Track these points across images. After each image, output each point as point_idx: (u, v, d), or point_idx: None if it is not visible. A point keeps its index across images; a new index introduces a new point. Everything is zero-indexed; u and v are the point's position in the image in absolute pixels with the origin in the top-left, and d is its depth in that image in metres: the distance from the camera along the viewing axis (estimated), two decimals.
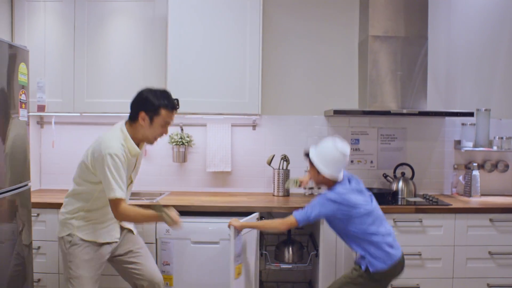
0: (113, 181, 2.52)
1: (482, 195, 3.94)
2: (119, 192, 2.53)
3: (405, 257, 3.28)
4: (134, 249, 2.86)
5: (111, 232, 2.76)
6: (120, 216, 2.60)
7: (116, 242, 2.80)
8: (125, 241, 2.87)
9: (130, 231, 2.90)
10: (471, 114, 3.64)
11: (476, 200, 3.75)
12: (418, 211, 3.38)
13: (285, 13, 4.04)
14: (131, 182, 2.82)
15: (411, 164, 3.98)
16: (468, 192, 3.91)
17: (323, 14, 4.05)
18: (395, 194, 3.83)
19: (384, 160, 4.09)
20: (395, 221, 3.37)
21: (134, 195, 3.74)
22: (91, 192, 2.68)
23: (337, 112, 3.66)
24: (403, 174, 3.93)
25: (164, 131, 2.71)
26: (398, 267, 2.76)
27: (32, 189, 3.88)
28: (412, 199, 3.72)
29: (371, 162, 4.10)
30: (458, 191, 4.06)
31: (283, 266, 3.51)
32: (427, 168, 4.10)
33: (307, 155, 2.86)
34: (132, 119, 2.69)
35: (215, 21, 3.59)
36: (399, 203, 3.63)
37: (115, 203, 2.54)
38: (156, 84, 3.52)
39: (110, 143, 2.57)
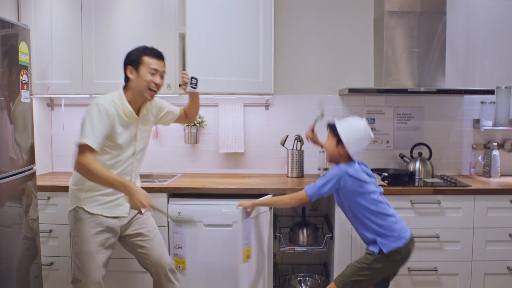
0: (88, 127, 2.46)
1: (502, 175, 3.85)
2: (90, 139, 2.43)
3: (423, 239, 3.27)
4: (143, 232, 2.79)
5: (119, 207, 2.70)
6: (79, 164, 2.45)
7: (124, 217, 2.72)
8: (135, 222, 2.80)
9: (140, 212, 2.83)
10: (491, 92, 3.51)
11: (495, 181, 3.65)
12: (436, 192, 3.29)
13: None
14: (134, 152, 2.72)
15: (428, 143, 3.88)
16: (487, 173, 3.81)
17: None
18: (412, 174, 3.75)
19: (400, 140, 4.00)
20: (412, 203, 3.28)
21: (146, 177, 3.71)
22: None
23: (352, 91, 3.54)
24: (420, 154, 3.83)
25: (154, 79, 2.64)
26: (410, 246, 2.71)
27: (44, 172, 3.91)
28: (429, 180, 3.63)
29: (387, 142, 4.01)
30: (476, 172, 3.96)
31: (298, 249, 3.47)
32: (445, 148, 4.00)
33: (331, 126, 2.79)
34: (125, 80, 2.68)
35: (228, 0, 3.47)
36: (416, 184, 3.54)
37: (81, 149, 2.45)
38: (166, 65, 3.48)
39: (101, 98, 2.59)
